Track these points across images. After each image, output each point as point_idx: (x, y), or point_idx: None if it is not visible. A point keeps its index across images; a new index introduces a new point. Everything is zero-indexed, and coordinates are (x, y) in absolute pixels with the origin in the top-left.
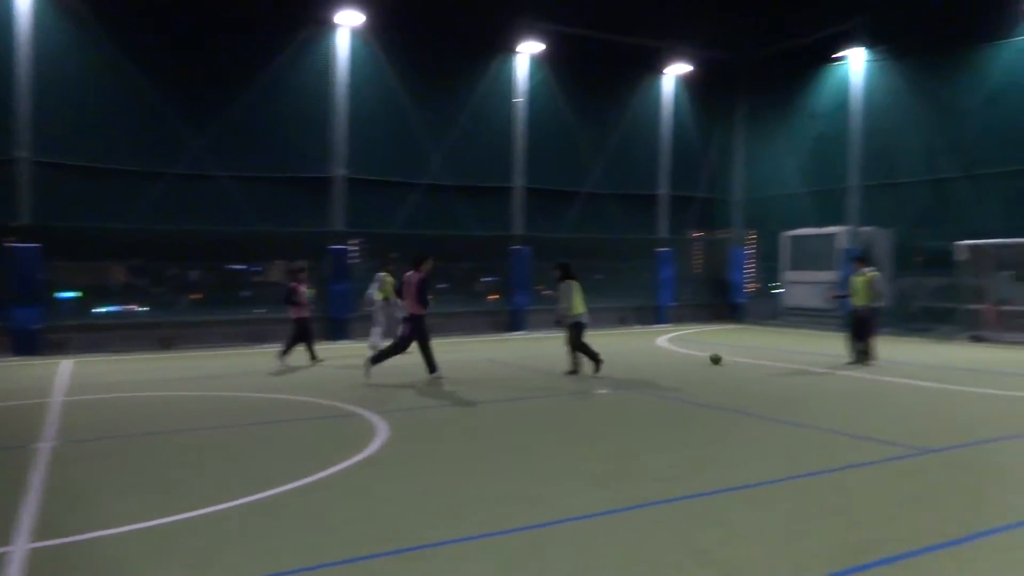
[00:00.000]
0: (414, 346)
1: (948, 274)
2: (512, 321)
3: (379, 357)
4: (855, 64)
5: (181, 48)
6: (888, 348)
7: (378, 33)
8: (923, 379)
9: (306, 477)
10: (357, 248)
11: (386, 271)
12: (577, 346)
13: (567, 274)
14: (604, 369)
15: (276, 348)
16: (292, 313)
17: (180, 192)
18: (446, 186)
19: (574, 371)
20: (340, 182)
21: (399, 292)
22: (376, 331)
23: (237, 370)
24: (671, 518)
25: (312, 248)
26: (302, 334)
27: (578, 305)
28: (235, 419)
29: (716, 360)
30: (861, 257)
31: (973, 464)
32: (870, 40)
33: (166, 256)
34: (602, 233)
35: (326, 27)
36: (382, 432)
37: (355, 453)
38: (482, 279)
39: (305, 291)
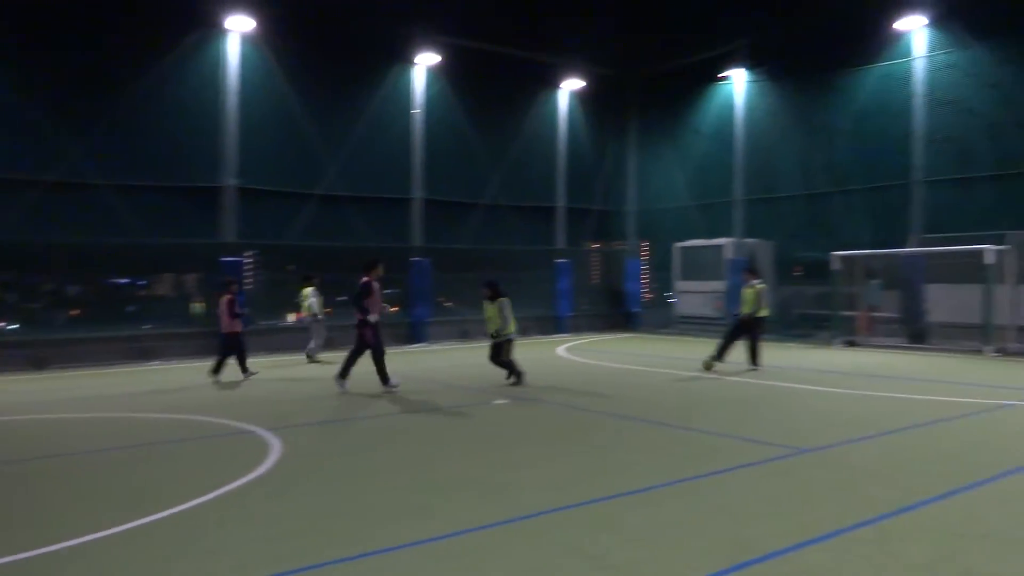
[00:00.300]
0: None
1: (825, 283)
2: (412, 333)
3: (345, 369)
4: (738, 84)
5: (55, 48)
6: (771, 354)
7: (270, 39)
8: (802, 383)
9: (190, 500)
10: (251, 260)
11: (311, 285)
12: (506, 362)
13: (498, 292)
14: (501, 380)
15: (161, 365)
16: (223, 328)
17: (55, 202)
18: (343, 196)
19: (518, 380)
20: (231, 192)
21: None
22: (315, 343)
23: (118, 390)
24: (565, 525)
25: (202, 261)
26: (233, 348)
27: (512, 322)
28: (114, 442)
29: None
30: (751, 269)
31: (845, 461)
32: (751, 62)
33: (40, 270)
34: (501, 244)
35: (215, 31)
36: (275, 450)
37: (245, 473)
38: (383, 291)
39: (233, 305)
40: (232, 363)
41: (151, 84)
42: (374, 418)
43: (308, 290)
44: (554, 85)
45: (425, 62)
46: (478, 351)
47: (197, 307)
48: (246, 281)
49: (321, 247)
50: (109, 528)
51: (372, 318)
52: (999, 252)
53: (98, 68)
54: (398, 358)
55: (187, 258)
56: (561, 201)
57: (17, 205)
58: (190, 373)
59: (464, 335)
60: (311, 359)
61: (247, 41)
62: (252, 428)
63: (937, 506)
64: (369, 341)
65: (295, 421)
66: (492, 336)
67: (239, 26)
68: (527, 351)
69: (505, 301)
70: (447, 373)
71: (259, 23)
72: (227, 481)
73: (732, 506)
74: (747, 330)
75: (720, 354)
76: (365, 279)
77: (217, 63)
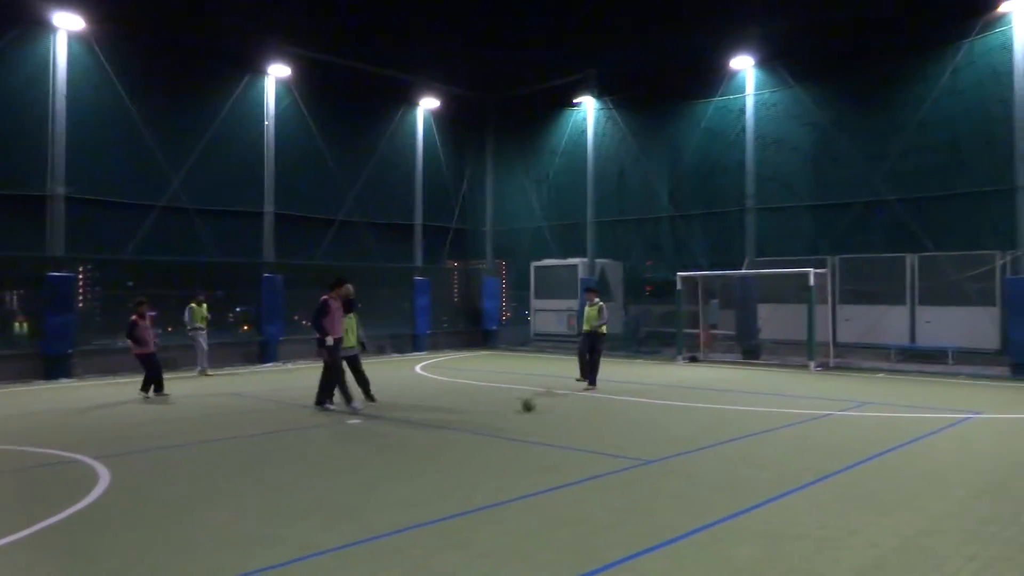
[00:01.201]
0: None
1: (670, 302)
2: (263, 352)
3: (327, 392)
4: (589, 111)
5: None
6: (619, 369)
7: (103, 41)
8: (648, 397)
9: (6, 536)
10: (81, 276)
11: (196, 301)
12: (337, 379)
13: (351, 307)
14: (356, 402)
15: None
16: (134, 349)
17: None
18: (187, 209)
19: (371, 399)
20: (58, 201)
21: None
22: (201, 356)
23: None
24: (414, 544)
25: (26, 275)
26: (150, 369)
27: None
28: None
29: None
30: (594, 288)
31: (685, 471)
32: (599, 90)
33: None
34: (358, 261)
35: (42, 28)
36: (104, 479)
37: (69, 504)
38: (235, 308)
39: (148, 325)
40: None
41: None
42: (212, 442)
43: (193, 305)
44: (411, 103)
45: (276, 73)
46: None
47: (20, 326)
48: (78, 298)
49: (163, 262)
50: None
51: (329, 340)
52: (819, 274)
53: None
54: (246, 379)
55: (9, 271)
56: (419, 219)
57: None
58: (12, 398)
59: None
60: (204, 374)
61: (77, 40)
62: (80, 457)
63: (763, 510)
64: (326, 360)
65: (127, 448)
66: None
67: (67, 23)
68: (385, 369)
69: (353, 317)
70: (297, 394)
71: (91, 22)
72: (47, 515)
73: (579, 517)
74: (593, 346)
75: (592, 372)
76: (324, 297)
77: (44, 63)
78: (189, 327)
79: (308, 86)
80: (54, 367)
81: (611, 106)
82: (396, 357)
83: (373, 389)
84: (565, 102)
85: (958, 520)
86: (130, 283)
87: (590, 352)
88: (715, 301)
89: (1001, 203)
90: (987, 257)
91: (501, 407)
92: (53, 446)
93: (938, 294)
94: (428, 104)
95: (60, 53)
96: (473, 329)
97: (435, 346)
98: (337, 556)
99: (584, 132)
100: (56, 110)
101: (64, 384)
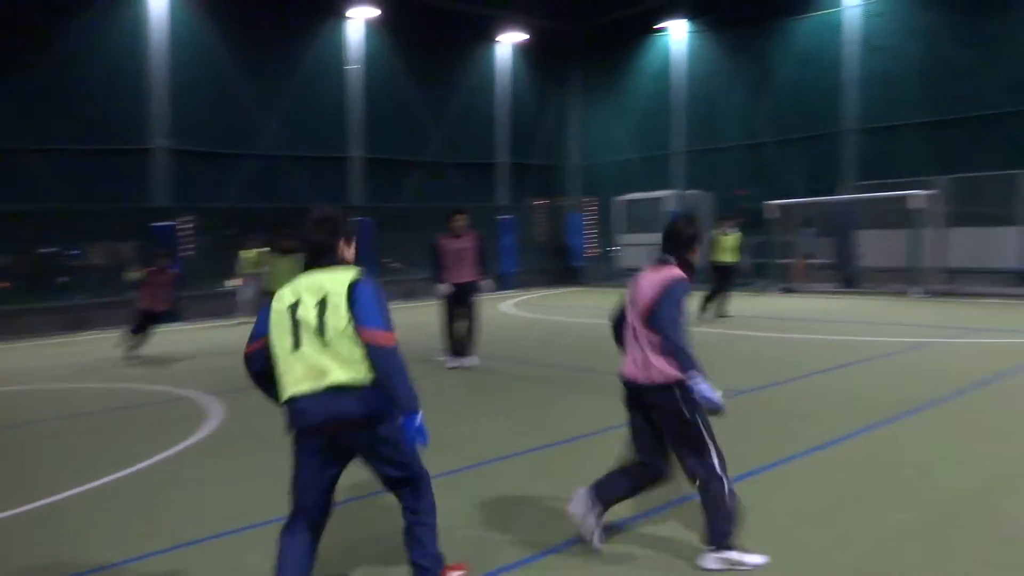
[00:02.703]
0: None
1: (762, 232)
2: None
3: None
4: (677, 35)
5: None
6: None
7: None
8: (742, 328)
9: (128, 467)
10: (188, 226)
11: (246, 250)
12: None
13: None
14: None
15: (97, 334)
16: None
17: None
18: (280, 156)
19: None
20: (161, 154)
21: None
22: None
23: (50, 361)
24: (513, 471)
25: (134, 226)
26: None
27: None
28: (42, 414)
29: None
30: (728, 216)
31: (775, 402)
32: (690, 12)
33: None
34: (444, 202)
35: None
36: (216, 414)
37: (182, 439)
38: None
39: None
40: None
41: (69, 42)
42: None
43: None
44: (493, 38)
45: (361, 15)
46: (424, 310)
47: (133, 275)
48: (185, 247)
49: (261, 209)
50: (30, 502)
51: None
52: (926, 197)
53: (11, 29)
54: None
55: (118, 223)
56: (503, 157)
57: None
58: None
59: (410, 294)
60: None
61: None
62: (192, 393)
63: (862, 439)
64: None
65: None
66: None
67: None
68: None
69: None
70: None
71: None
72: (164, 447)
73: None
74: (729, 278)
75: (713, 303)
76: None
77: (140, 19)
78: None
79: (391, 27)
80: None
81: (700, 28)
82: (484, 296)
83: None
84: (654, 27)
85: None
86: (232, 230)
87: (723, 283)
88: (812, 229)
89: None
90: None
91: (590, 343)
92: (166, 383)
93: None
94: (513, 38)
95: (156, 7)
96: (560, 266)
97: (522, 284)
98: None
99: (673, 57)
100: (154, 65)
101: (173, 328)
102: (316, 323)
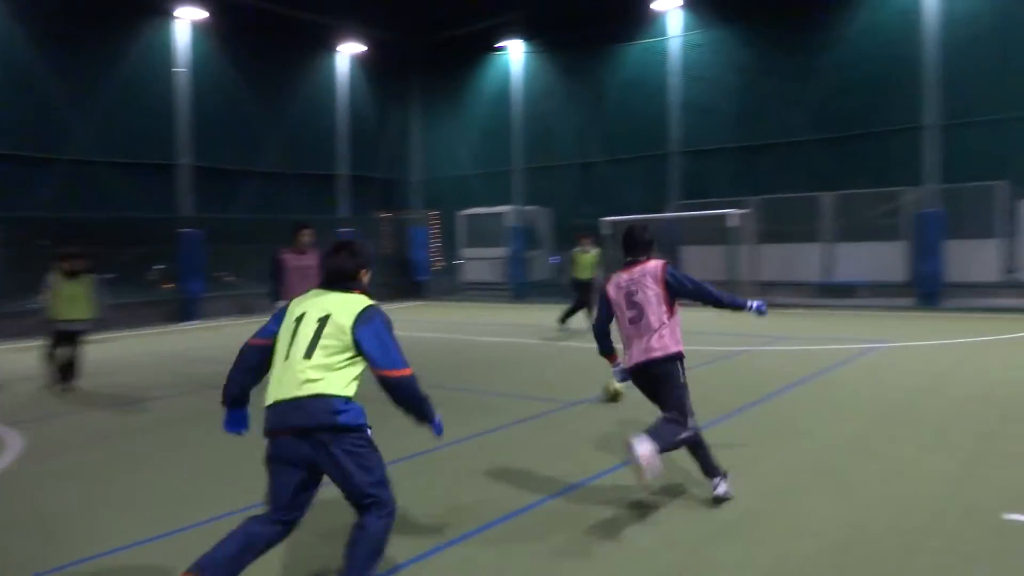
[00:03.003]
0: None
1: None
2: (184, 310)
3: None
4: (516, 54)
5: None
6: (551, 314)
7: None
8: (579, 341)
9: None
10: None
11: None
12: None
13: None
14: None
15: None
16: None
17: None
18: (98, 162)
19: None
20: None
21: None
22: None
23: None
24: None
25: None
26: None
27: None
28: None
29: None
30: (588, 234)
31: (606, 413)
32: (527, 33)
33: None
34: (280, 214)
35: None
36: (15, 446)
37: None
38: (154, 266)
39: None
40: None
41: None
42: (134, 405)
43: None
44: (334, 48)
45: (188, 16)
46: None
47: None
48: None
49: (74, 219)
50: None
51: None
52: (740, 216)
53: None
54: (164, 338)
55: None
56: (344, 169)
57: None
58: None
59: (245, 310)
60: None
61: None
62: None
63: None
64: None
65: (40, 414)
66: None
67: None
68: None
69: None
70: (219, 353)
71: None
72: None
73: (508, 462)
74: (584, 292)
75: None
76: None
77: None
78: None
79: (223, 30)
80: None
81: (538, 49)
82: None
83: None
84: (492, 46)
85: (863, 442)
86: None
87: (584, 300)
88: None
89: (909, 141)
90: (895, 194)
91: (427, 356)
92: None
93: (851, 231)
94: (352, 49)
95: None
96: (403, 280)
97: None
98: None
99: (512, 76)
100: None
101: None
102: (312, 338)
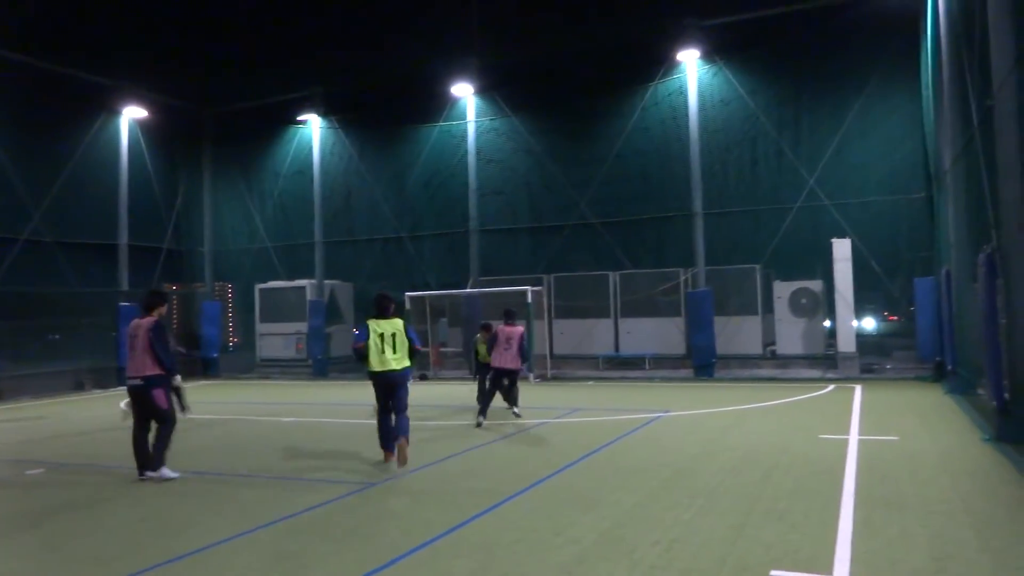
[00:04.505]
0: None
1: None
2: None
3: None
4: (315, 129)
5: None
6: (349, 392)
7: None
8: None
9: None
10: None
11: None
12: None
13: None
14: (36, 447)
15: None
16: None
17: None
18: None
19: None
20: None
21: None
22: None
23: None
24: None
25: None
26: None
27: None
28: None
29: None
30: (486, 325)
31: (408, 489)
32: (325, 109)
33: None
34: (49, 286)
35: None
36: None
37: None
38: None
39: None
40: None
41: None
42: None
43: None
44: (113, 110)
45: None
46: (9, 411)
47: None
48: None
49: None
50: None
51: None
52: (535, 292)
53: None
54: None
55: None
56: (124, 238)
57: None
58: None
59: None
60: None
61: None
62: None
63: (481, 520)
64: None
65: None
66: None
67: None
68: (82, 408)
69: None
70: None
71: None
72: None
73: (297, 551)
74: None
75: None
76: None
77: None
78: None
79: None
80: None
81: (337, 126)
82: (98, 393)
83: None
84: (290, 119)
85: (648, 509)
86: None
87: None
88: (444, 319)
89: (683, 226)
90: (672, 274)
91: (214, 441)
92: None
93: (636, 307)
94: (133, 113)
95: None
96: (191, 357)
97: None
98: None
99: (311, 151)
100: None
101: None
102: (391, 338)
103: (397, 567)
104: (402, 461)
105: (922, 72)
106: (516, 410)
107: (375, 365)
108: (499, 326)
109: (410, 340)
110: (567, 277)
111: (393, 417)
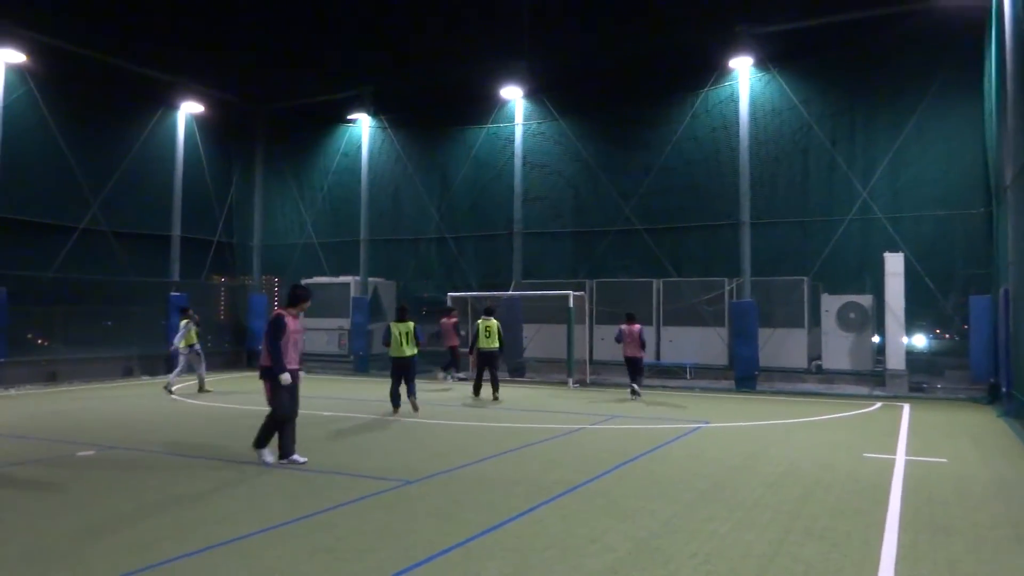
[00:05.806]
0: None
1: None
2: None
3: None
4: (364, 128)
5: None
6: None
7: None
8: (412, 416)
9: None
10: None
11: (188, 318)
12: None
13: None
14: (86, 430)
15: None
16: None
17: None
18: None
19: None
20: None
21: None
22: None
23: None
24: None
25: None
26: None
27: None
28: None
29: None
30: (489, 308)
31: (444, 489)
32: (375, 108)
33: None
34: (102, 274)
35: None
36: None
37: None
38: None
39: None
40: None
41: None
42: None
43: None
44: (171, 105)
45: (4, 58)
46: (63, 395)
47: None
48: None
49: None
50: None
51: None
52: (578, 297)
53: None
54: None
55: None
56: (177, 230)
57: None
58: None
59: (52, 377)
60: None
61: None
62: None
63: (515, 524)
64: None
65: None
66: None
67: None
68: (132, 393)
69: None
70: (17, 424)
71: None
72: None
73: (331, 545)
74: (488, 363)
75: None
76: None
77: None
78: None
79: (44, 76)
80: None
81: (386, 125)
82: (147, 380)
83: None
84: (340, 117)
85: (684, 521)
86: None
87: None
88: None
89: (729, 236)
90: (717, 283)
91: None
92: None
93: (679, 316)
94: (191, 108)
95: None
96: (238, 349)
97: (192, 366)
98: None
99: (359, 149)
100: None
101: None
102: (405, 335)
103: (429, 566)
104: (415, 409)
105: (984, 83)
106: (636, 387)
107: (394, 352)
108: (622, 325)
109: (416, 337)
110: (610, 283)
111: (404, 386)
